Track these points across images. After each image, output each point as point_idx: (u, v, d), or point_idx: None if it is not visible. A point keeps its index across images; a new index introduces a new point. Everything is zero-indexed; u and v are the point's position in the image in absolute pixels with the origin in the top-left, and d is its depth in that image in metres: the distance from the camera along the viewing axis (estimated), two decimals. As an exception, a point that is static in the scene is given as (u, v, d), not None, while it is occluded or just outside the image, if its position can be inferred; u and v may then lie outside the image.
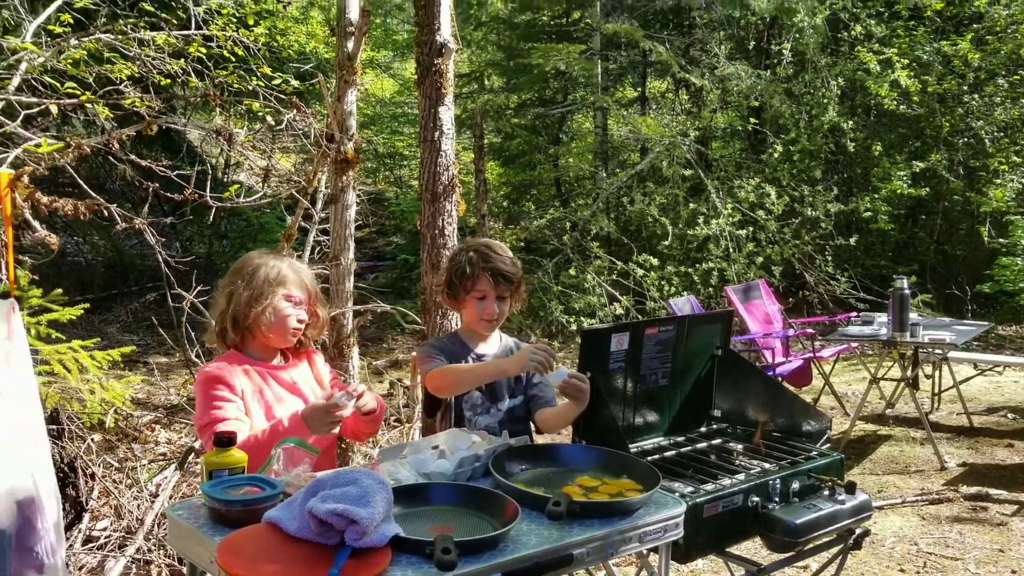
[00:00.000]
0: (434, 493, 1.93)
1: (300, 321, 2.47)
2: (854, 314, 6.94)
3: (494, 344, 2.73)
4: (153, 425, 5.88)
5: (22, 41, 4.03)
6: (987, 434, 5.92)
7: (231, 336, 2.44)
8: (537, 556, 1.71)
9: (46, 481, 2.39)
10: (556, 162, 13.15)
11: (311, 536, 1.65)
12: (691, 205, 10.12)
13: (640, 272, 9.40)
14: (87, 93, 4.13)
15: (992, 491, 4.73)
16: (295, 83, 5.17)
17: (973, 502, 4.63)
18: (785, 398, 2.69)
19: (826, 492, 2.36)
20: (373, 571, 1.57)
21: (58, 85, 3.96)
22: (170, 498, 3.95)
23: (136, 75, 4.60)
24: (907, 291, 5.25)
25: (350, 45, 4.16)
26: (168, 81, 4.77)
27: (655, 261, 9.53)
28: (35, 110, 3.65)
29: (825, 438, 2.56)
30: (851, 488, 2.35)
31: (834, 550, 2.50)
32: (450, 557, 1.56)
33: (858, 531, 2.44)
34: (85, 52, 4.46)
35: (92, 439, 4.24)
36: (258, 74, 4.86)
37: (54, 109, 3.39)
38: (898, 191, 9.96)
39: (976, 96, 9.99)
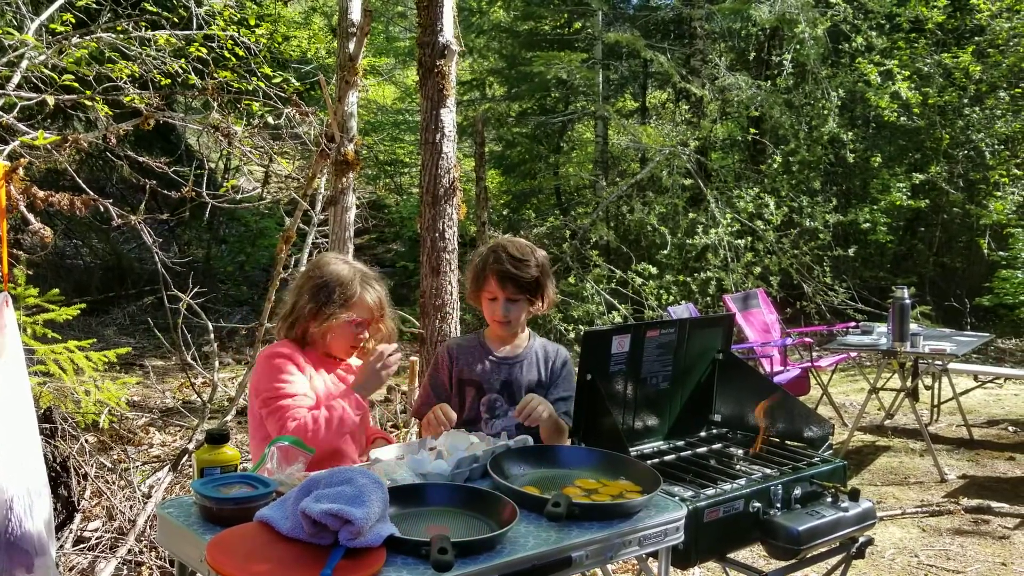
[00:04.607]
0: (431, 494, 1.89)
1: (360, 339, 2.51)
2: (852, 324, 6.92)
3: (519, 346, 2.67)
4: (148, 427, 5.84)
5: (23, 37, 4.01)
6: (987, 447, 5.88)
7: (292, 335, 2.48)
8: (535, 558, 1.67)
9: (36, 479, 2.35)
10: (557, 171, 13.14)
11: (304, 536, 1.61)
12: (690, 215, 10.11)
13: (639, 281, 9.38)
14: (87, 91, 4.11)
15: (994, 504, 4.69)
16: (296, 83, 5.14)
17: (975, 515, 4.59)
18: (786, 403, 2.66)
19: (829, 499, 2.32)
20: (367, 572, 1.54)
21: (56, 78, 3.94)
22: (163, 499, 3.91)
23: (136, 75, 4.58)
24: (907, 301, 5.22)
25: (351, 46, 4.14)
26: (168, 81, 4.75)
27: (654, 270, 9.50)
28: (33, 101, 3.62)
29: (827, 444, 2.53)
30: (855, 495, 2.32)
31: (835, 559, 2.47)
32: (447, 558, 1.53)
33: (861, 539, 2.40)
34: (86, 51, 4.43)
35: (86, 440, 4.20)
36: (259, 74, 4.84)
37: (51, 101, 3.35)
38: (897, 203, 9.95)
39: (977, 109, 9.99)
